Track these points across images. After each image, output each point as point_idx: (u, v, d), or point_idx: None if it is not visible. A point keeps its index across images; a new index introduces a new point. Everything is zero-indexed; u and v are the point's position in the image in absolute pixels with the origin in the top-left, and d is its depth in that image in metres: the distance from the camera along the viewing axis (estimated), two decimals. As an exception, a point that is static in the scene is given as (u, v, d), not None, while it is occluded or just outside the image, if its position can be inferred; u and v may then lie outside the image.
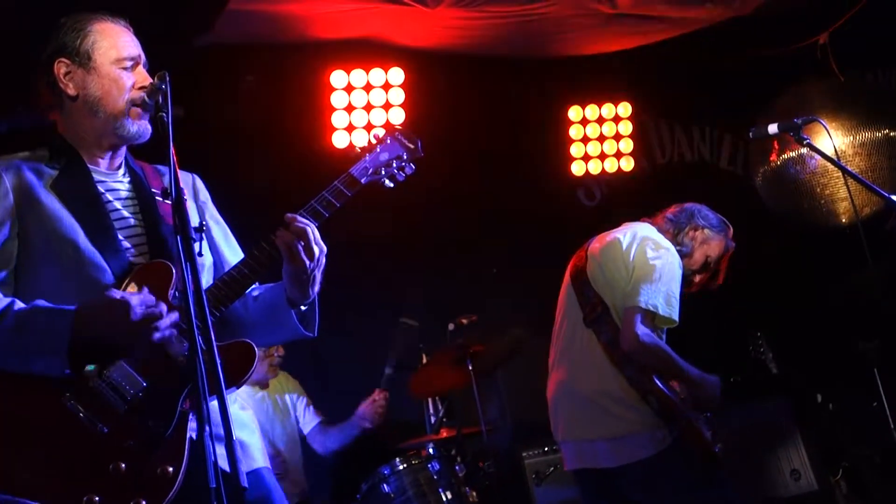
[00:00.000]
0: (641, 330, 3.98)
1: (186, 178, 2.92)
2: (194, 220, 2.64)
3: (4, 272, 2.56)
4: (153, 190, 2.79)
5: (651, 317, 4.03)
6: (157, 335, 2.43)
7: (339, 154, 6.44)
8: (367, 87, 6.58)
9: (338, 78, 6.51)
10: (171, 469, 2.36)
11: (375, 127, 6.56)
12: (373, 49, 6.45)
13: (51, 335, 2.39)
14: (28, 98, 2.84)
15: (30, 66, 2.77)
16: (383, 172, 2.89)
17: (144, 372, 2.44)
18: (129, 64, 2.72)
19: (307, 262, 2.62)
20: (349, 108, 6.56)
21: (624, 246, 4.24)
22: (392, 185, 2.92)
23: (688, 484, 4.00)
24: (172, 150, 2.34)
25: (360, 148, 2.92)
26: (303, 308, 2.77)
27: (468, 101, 6.88)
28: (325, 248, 2.67)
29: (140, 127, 2.71)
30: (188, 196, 2.76)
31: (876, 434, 5.94)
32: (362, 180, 2.83)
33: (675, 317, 4.07)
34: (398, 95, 6.63)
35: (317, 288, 2.73)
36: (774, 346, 6.46)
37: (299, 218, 2.64)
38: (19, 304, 2.46)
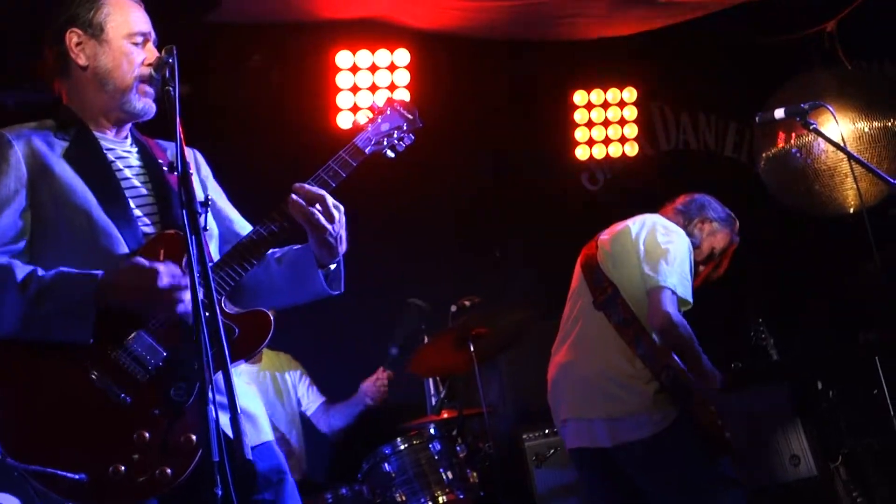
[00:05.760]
0: (672, 308, 4.03)
1: (189, 153, 2.92)
2: (200, 194, 2.65)
3: (23, 242, 2.56)
4: (159, 161, 2.80)
5: (674, 297, 4.07)
6: (181, 306, 2.44)
7: (343, 134, 6.43)
8: (373, 68, 6.58)
9: (343, 58, 6.51)
10: (194, 437, 2.39)
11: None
12: (378, 30, 6.44)
13: (78, 299, 2.41)
14: (35, 74, 2.85)
15: (39, 33, 2.78)
16: (385, 143, 2.95)
17: (164, 342, 2.46)
18: (139, 39, 2.74)
19: (329, 226, 2.64)
20: (354, 89, 6.57)
21: (633, 233, 4.28)
22: (393, 155, 2.99)
23: (686, 464, 4.03)
24: (179, 123, 2.34)
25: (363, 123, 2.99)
26: (331, 267, 2.80)
27: (473, 84, 6.88)
28: (342, 208, 2.70)
29: (146, 104, 2.73)
30: (192, 170, 2.77)
31: (876, 422, 5.94)
32: (366, 150, 2.88)
33: (690, 298, 4.12)
34: (403, 77, 6.62)
35: (343, 247, 2.75)
36: (776, 333, 6.47)
37: (308, 186, 2.67)
38: (42, 271, 2.47)
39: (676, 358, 4.06)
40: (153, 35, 2.79)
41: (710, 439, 4.03)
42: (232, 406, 2.06)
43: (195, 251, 2.15)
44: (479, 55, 6.79)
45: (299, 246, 2.82)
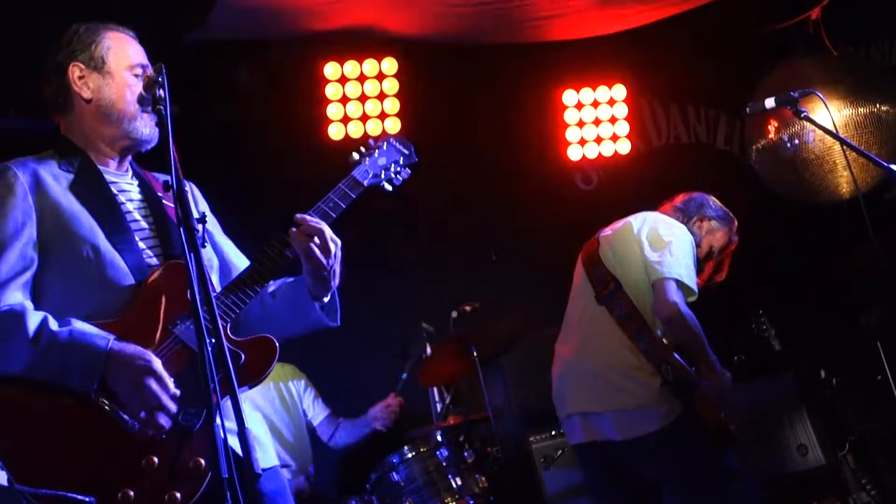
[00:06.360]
0: (678, 298, 4.04)
1: (185, 186, 2.94)
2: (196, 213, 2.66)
3: (30, 275, 2.57)
4: (158, 194, 2.83)
5: (681, 287, 4.08)
6: (156, 419, 2.40)
7: (335, 145, 6.44)
8: (361, 79, 6.60)
9: (331, 70, 6.53)
10: (203, 461, 2.39)
11: (371, 118, 6.58)
12: (365, 40, 6.45)
13: (86, 363, 2.41)
14: (19, 102, 2.87)
15: (39, 70, 2.82)
16: (383, 176, 3.04)
17: (171, 368, 2.45)
18: (140, 71, 2.80)
19: (324, 260, 2.68)
20: (344, 100, 6.58)
21: (636, 229, 4.31)
22: (391, 188, 3.07)
23: (694, 457, 4.03)
24: (172, 141, 2.34)
25: (356, 153, 3.03)
26: (325, 300, 2.81)
27: (462, 89, 6.88)
28: (339, 242, 2.73)
29: (151, 130, 2.77)
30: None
31: (881, 407, 5.95)
32: (365, 183, 2.95)
33: (695, 287, 4.14)
34: (392, 85, 6.64)
35: (336, 281, 2.78)
36: (776, 323, 6.47)
37: (309, 218, 2.69)
38: (53, 325, 2.46)
39: (677, 355, 4.07)
40: (150, 68, 2.81)
41: (714, 433, 4.03)
42: (239, 421, 2.05)
43: (195, 269, 2.14)
44: (466, 60, 6.79)
45: (292, 279, 2.84)
